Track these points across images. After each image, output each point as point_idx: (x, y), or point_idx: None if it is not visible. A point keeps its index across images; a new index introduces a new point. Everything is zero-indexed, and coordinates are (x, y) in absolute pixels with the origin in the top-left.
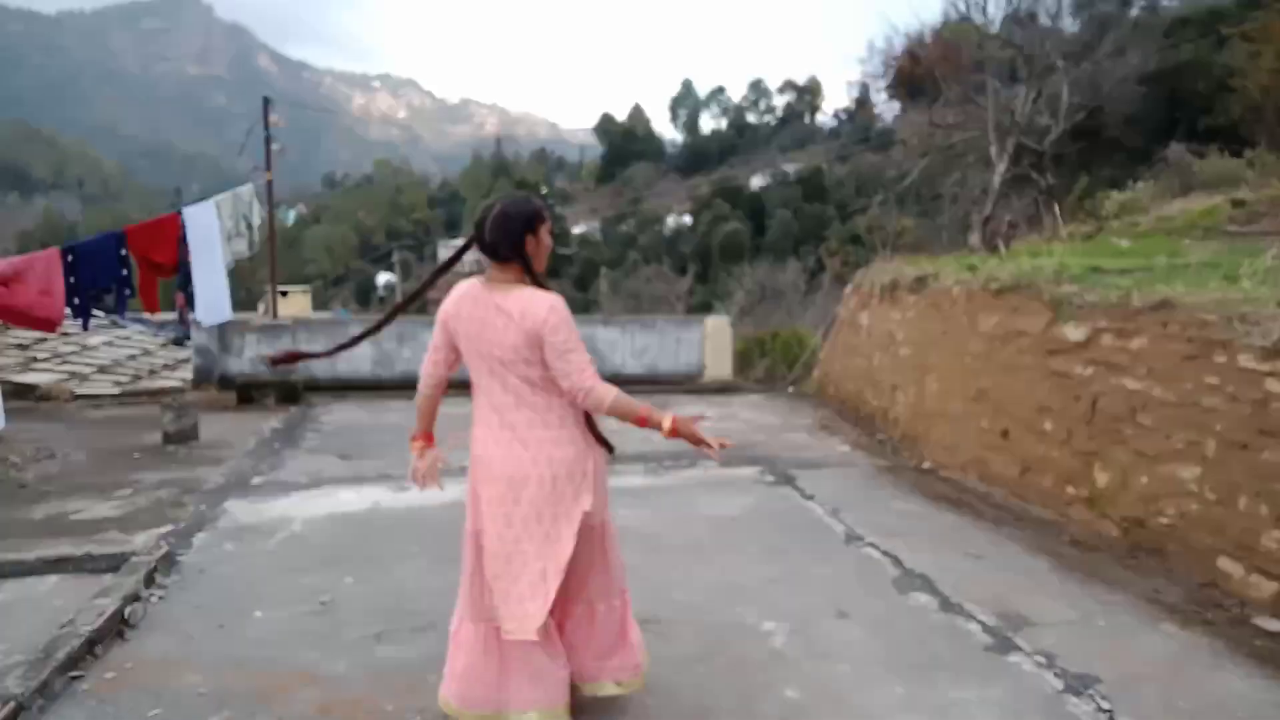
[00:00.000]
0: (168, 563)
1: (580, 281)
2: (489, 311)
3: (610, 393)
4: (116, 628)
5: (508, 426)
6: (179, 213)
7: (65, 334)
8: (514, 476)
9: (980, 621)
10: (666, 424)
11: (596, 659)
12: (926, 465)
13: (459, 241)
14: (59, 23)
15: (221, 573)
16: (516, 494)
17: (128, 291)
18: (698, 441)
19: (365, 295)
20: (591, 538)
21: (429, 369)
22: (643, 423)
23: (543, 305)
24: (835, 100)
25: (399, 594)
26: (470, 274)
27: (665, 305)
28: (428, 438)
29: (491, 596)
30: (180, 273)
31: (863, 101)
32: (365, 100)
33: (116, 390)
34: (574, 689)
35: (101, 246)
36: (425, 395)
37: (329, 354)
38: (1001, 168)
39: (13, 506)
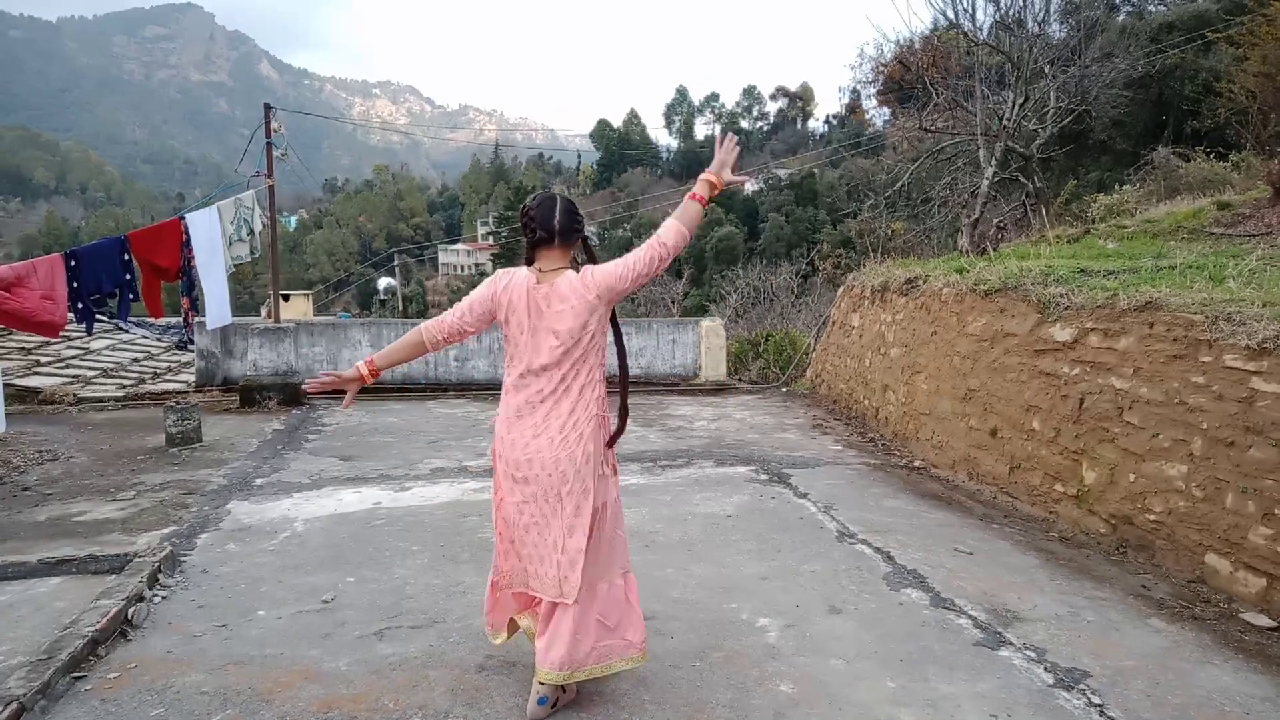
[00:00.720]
0: (171, 563)
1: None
2: (542, 302)
3: (672, 228)
4: (119, 628)
5: (532, 412)
6: (182, 218)
7: (68, 338)
8: (533, 459)
9: (971, 616)
10: (716, 179)
11: (600, 639)
12: (917, 463)
13: (460, 245)
14: (60, 29)
15: (224, 573)
16: (535, 474)
17: (131, 296)
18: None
19: (366, 299)
20: (594, 518)
21: (451, 322)
22: (706, 202)
23: (585, 274)
24: (827, 106)
25: (399, 593)
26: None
27: (661, 308)
28: (375, 372)
29: (518, 561)
30: (184, 277)
31: (853, 107)
32: (365, 107)
33: (120, 393)
34: (576, 672)
35: (105, 251)
36: (416, 342)
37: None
38: (990, 172)
39: (15, 508)
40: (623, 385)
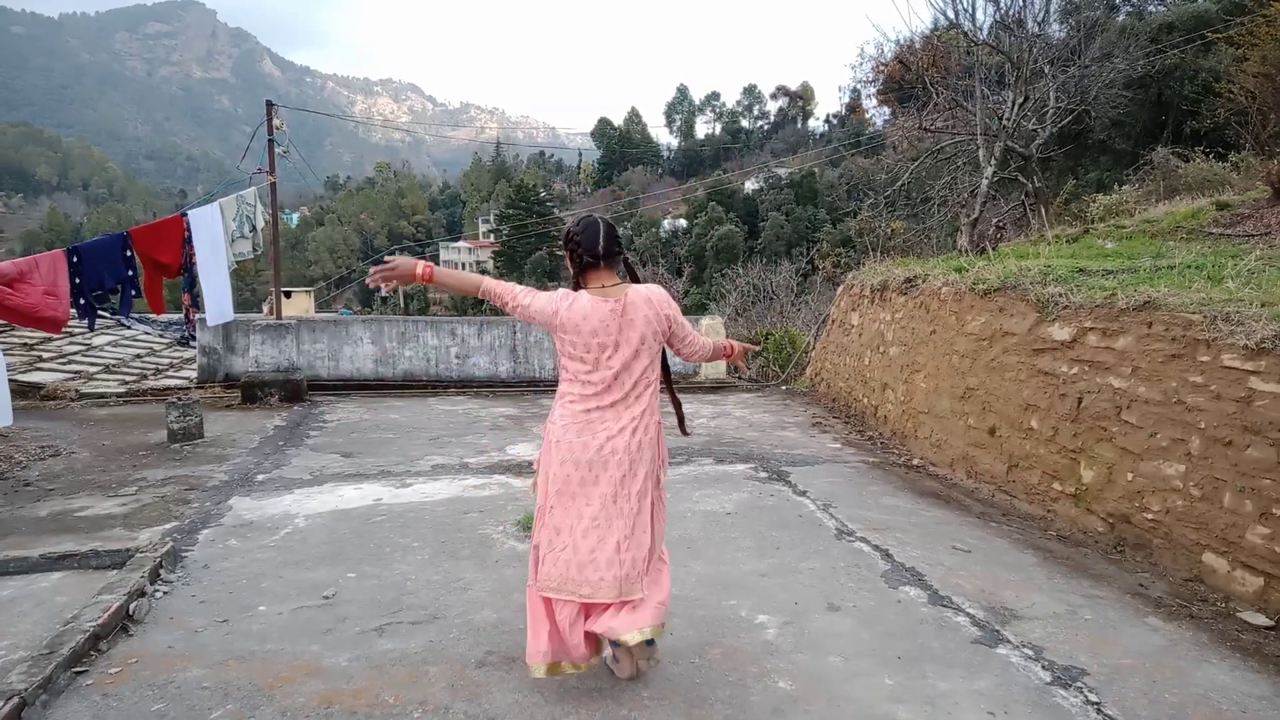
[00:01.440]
0: (172, 558)
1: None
2: (621, 317)
3: (710, 343)
4: (121, 623)
5: (601, 418)
6: (184, 214)
7: (70, 334)
8: (609, 461)
9: (968, 614)
10: (736, 347)
11: (646, 609)
12: (916, 462)
13: (461, 243)
14: (62, 25)
15: (225, 568)
16: (610, 474)
17: (133, 292)
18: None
19: (368, 296)
20: (654, 512)
21: (511, 296)
22: (729, 354)
23: (663, 295)
24: (827, 105)
25: (400, 588)
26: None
27: None
28: (430, 277)
29: (568, 569)
30: (185, 273)
31: (854, 106)
32: (367, 104)
33: (122, 389)
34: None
35: (107, 247)
36: (475, 283)
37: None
38: (989, 171)
39: (17, 504)
40: (667, 380)
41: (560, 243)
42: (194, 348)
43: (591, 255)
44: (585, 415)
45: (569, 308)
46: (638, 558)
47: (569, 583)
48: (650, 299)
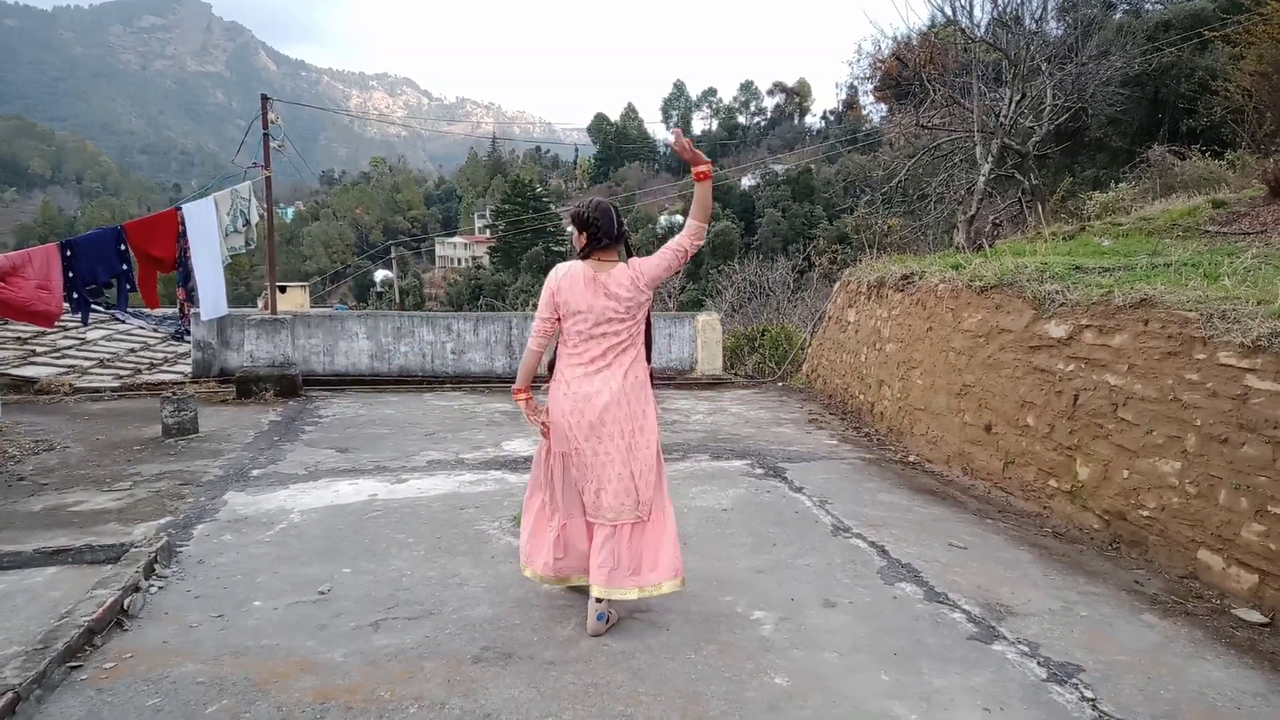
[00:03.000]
0: (167, 553)
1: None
2: (600, 289)
3: (692, 225)
4: (115, 618)
5: (598, 373)
6: (178, 209)
7: (64, 328)
8: (609, 405)
9: (964, 611)
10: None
11: (654, 561)
12: (912, 458)
13: (457, 238)
14: (56, 18)
15: (220, 563)
16: (613, 416)
17: (128, 286)
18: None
19: (363, 291)
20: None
21: (544, 331)
22: (704, 176)
23: (634, 266)
24: (824, 102)
25: (395, 584)
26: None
27: (658, 301)
28: (528, 390)
29: (581, 497)
30: (180, 268)
31: (851, 103)
32: (363, 99)
33: (116, 384)
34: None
35: (101, 241)
36: (535, 353)
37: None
38: (986, 168)
39: (11, 498)
40: (647, 345)
41: (568, 227)
42: (189, 342)
43: (609, 237)
44: (584, 371)
45: (561, 277)
46: (646, 483)
47: (575, 506)
48: (627, 271)
